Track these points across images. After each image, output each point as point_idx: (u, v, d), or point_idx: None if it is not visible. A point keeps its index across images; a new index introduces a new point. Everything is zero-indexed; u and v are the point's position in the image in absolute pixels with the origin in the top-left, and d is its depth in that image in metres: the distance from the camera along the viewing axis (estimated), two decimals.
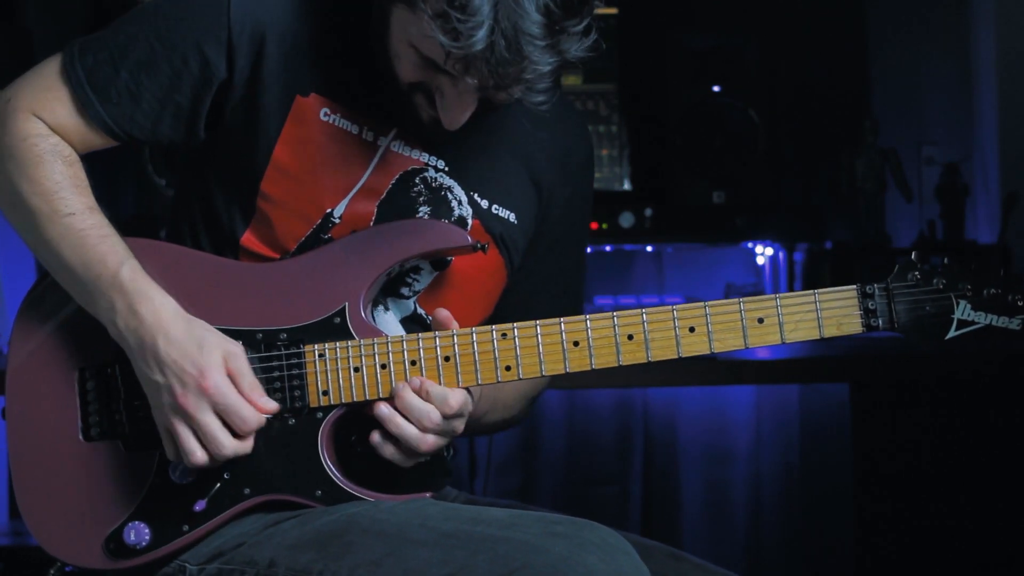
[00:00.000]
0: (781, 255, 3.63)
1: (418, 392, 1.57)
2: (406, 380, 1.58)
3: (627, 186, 3.70)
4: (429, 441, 1.56)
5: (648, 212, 3.48)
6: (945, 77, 3.86)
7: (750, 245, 3.71)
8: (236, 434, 1.55)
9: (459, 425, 1.60)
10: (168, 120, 1.66)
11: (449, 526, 1.51)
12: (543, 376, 1.60)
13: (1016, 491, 2.90)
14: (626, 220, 3.47)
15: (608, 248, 3.59)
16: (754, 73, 3.71)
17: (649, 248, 3.72)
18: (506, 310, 1.77)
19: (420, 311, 1.71)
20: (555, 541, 1.44)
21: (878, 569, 2.97)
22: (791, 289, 3.56)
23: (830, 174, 3.72)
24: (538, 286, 1.83)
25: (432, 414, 1.56)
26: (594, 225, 3.44)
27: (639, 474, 3.83)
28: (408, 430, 1.56)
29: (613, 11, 3.68)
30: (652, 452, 3.85)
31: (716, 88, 3.65)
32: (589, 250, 3.40)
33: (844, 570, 3.11)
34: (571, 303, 1.87)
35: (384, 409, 1.57)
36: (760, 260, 3.76)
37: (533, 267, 1.82)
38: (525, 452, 3.76)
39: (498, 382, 1.60)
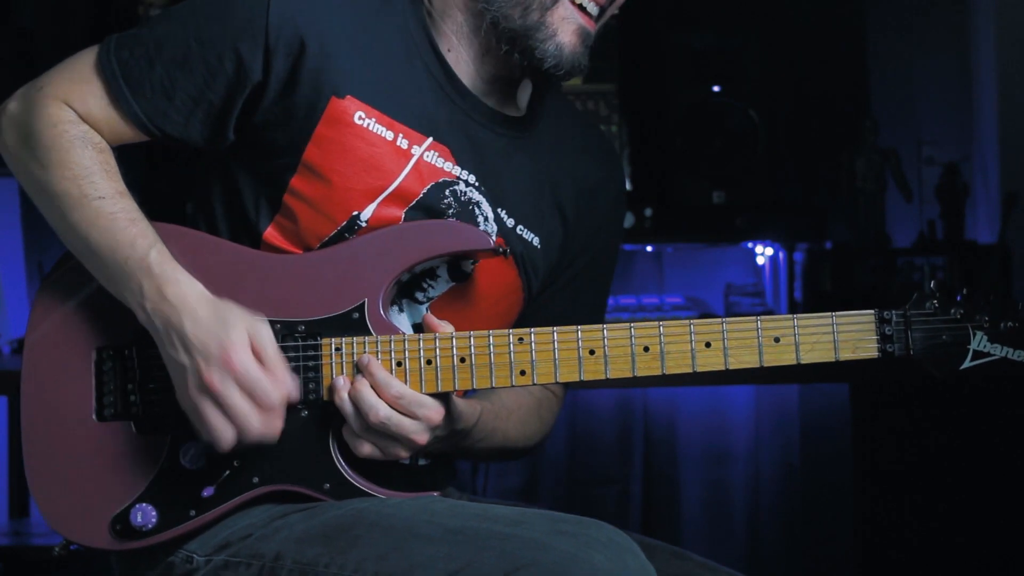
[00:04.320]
0: (781, 255, 3.63)
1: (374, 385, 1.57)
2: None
3: (627, 186, 3.70)
4: (365, 449, 1.58)
5: (648, 212, 3.48)
6: (945, 77, 3.87)
7: (750, 245, 3.71)
8: (262, 409, 1.55)
9: (413, 431, 1.58)
10: (200, 116, 1.67)
11: (456, 522, 1.51)
12: (557, 382, 1.60)
13: (1016, 491, 2.90)
14: (626, 220, 3.47)
15: None
16: (754, 73, 3.71)
17: (649, 248, 3.72)
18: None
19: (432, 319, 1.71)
20: (562, 539, 1.45)
21: (878, 568, 2.97)
22: (791, 289, 3.56)
23: (830, 174, 3.72)
24: (557, 317, 1.82)
25: (379, 410, 1.56)
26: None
27: (639, 474, 3.84)
28: (347, 411, 1.57)
29: None
30: (652, 452, 3.85)
31: (716, 88, 3.65)
32: None
33: (844, 570, 3.11)
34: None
35: (339, 380, 1.58)
36: (760, 260, 3.77)
37: (554, 296, 1.83)
38: None
39: (512, 386, 1.60)
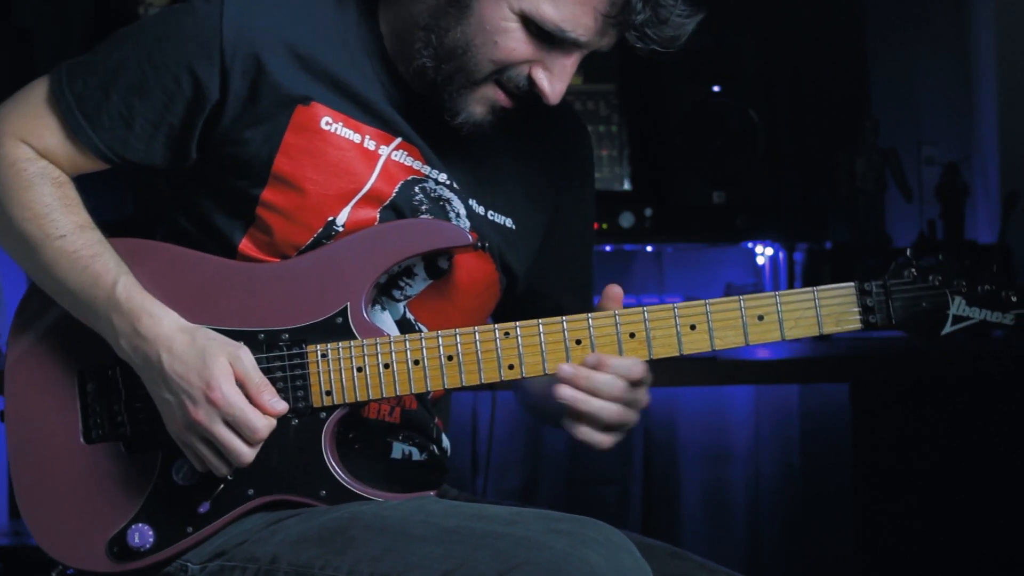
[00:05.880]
0: (781, 255, 3.63)
1: (596, 367, 1.55)
2: (582, 362, 1.57)
3: (627, 186, 3.70)
4: (611, 408, 1.55)
5: (648, 212, 3.48)
6: (945, 77, 3.87)
7: (750, 245, 3.71)
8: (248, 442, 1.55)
9: (644, 396, 1.59)
10: (161, 140, 1.65)
11: (451, 522, 1.50)
12: (546, 375, 1.60)
13: (1016, 491, 2.90)
14: (626, 220, 3.47)
15: (608, 248, 3.59)
16: (754, 73, 3.71)
17: (649, 248, 3.72)
18: (539, 313, 1.76)
19: (409, 316, 1.70)
20: (557, 538, 1.44)
21: (878, 569, 2.97)
22: (791, 289, 3.56)
23: (830, 174, 3.72)
24: (560, 287, 1.84)
25: (617, 383, 1.54)
26: (594, 225, 3.44)
27: (639, 474, 3.83)
28: (595, 404, 1.55)
29: None
30: (652, 452, 3.85)
31: (716, 88, 3.65)
32: None
33: (844, 570, 3.11)
34: (589, 300, 1.88)
35: (566, 392, 1.55)
36: (760, 260, 3.76)
37: (550, 268, 1.83)
38: (526, 452, 3.76)
39: (501, 380, 1.60)
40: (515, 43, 1.59)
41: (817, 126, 3.86)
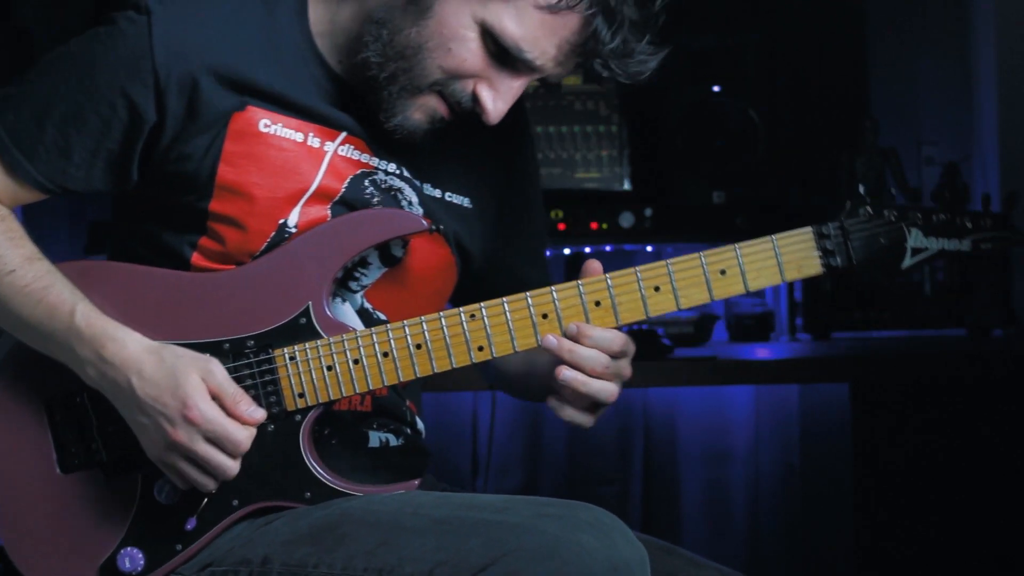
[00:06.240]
0: None
1: (577, 338, 1.56)
2: (561, 334, 1.57)
3: (627, 186, 3.70)
4: (610, 388, 1.57)
5: (648, 212, 3.48)
6: (945, 77, 3.86)
7: None
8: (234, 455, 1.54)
9: (626, 367, 1.59)
10: (101, 167, 1.64)
11: (442, 512, 1.50)
12: (515, 352, 1.59)
13: (1016, 491, 2.90)
14: (626, 220, 3.46)
15: (608, 248, 3.58)
16: (754, 73, 3.70)
17: (649, 248, 3.72)
18: (499, 285, 1.76)
19: (367, 305, 1.70)
20: (548, 522, 1.44)
21: (878, 568, 2.97)
22: (791, 289, 3.56)
23: (830, 174, 3.72)
24: (521, 255, 1.85)
25: (600, 358, 1.55)
26: (594, 225, 3.44)
27: (639, 474, 3.83)
28: (594, 386, 1.56)
29: None
30: (652, 452, 3.85)
31: (716, 88, 3.64)
32: (589, 250, 3.41)
33: (844, 569, 3.11)
34: (546, 267, 1.90)
35: (568, 373, 1.55)
36: None
37: (508, 238, 1.83)
38: (526, 452, 3.76)
39: (472, 363, 1.59)
40: (468, 53, 1.57)
41: (817, 126, 3.85)
